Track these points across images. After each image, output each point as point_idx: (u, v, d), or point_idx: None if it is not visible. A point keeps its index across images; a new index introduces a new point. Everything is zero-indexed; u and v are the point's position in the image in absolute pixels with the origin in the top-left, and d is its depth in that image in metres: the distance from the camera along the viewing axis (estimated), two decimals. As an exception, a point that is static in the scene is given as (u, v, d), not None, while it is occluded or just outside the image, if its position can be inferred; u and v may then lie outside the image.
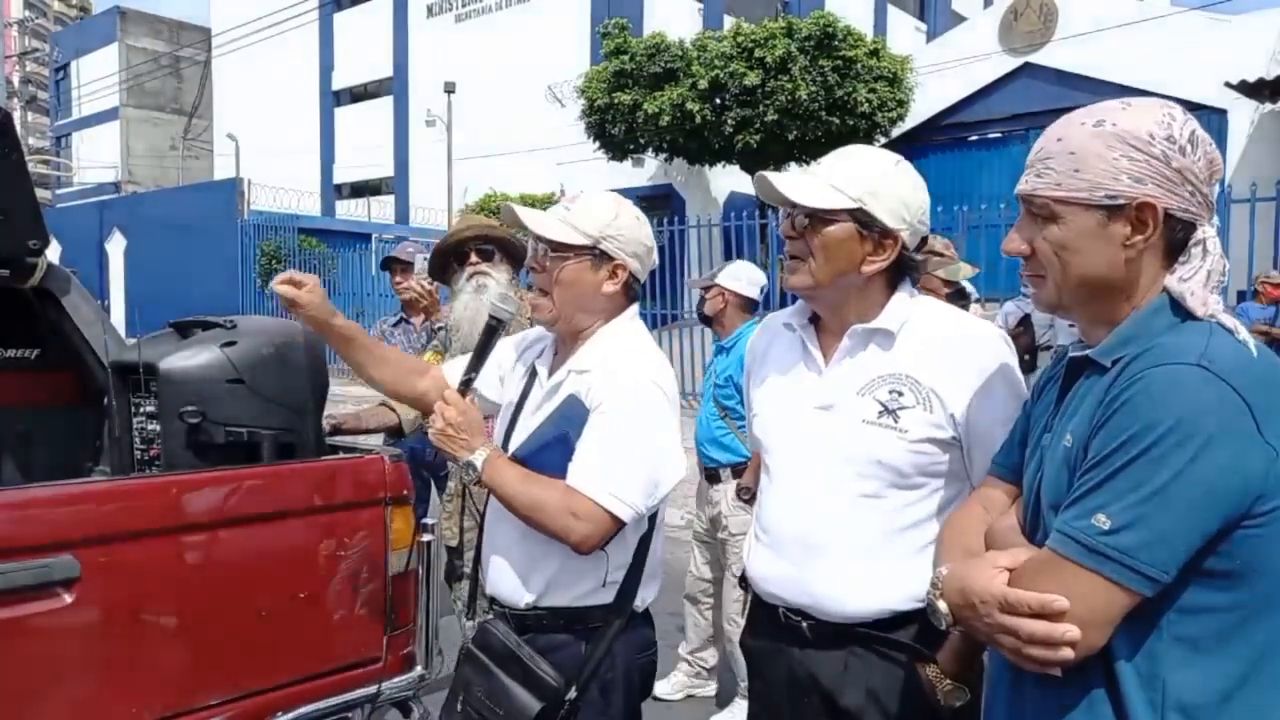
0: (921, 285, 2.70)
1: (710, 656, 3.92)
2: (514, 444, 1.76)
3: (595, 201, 1.78)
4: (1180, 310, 1.12)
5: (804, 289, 1.56)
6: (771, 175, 1.52)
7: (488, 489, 1.70)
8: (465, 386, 1.74)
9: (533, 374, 1.85)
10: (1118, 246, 1.13)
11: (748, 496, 3.41)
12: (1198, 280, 1.12)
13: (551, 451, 1.67)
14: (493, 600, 1.82)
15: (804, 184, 1.53)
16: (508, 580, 1.75)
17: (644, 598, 1.76)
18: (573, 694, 1.65)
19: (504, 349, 1.94)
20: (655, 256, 1.84)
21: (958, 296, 3.08)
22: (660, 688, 3.94)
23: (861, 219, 1.50)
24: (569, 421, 1.67)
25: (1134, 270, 1.14)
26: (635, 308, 1.83)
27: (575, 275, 1.72)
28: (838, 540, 1.52)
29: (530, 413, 1.80)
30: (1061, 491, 1.12)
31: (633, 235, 1.76)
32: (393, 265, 4.13)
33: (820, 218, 1.50)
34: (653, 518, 1.74)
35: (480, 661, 1.73)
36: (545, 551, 1.69)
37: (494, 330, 1.75)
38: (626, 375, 1.67)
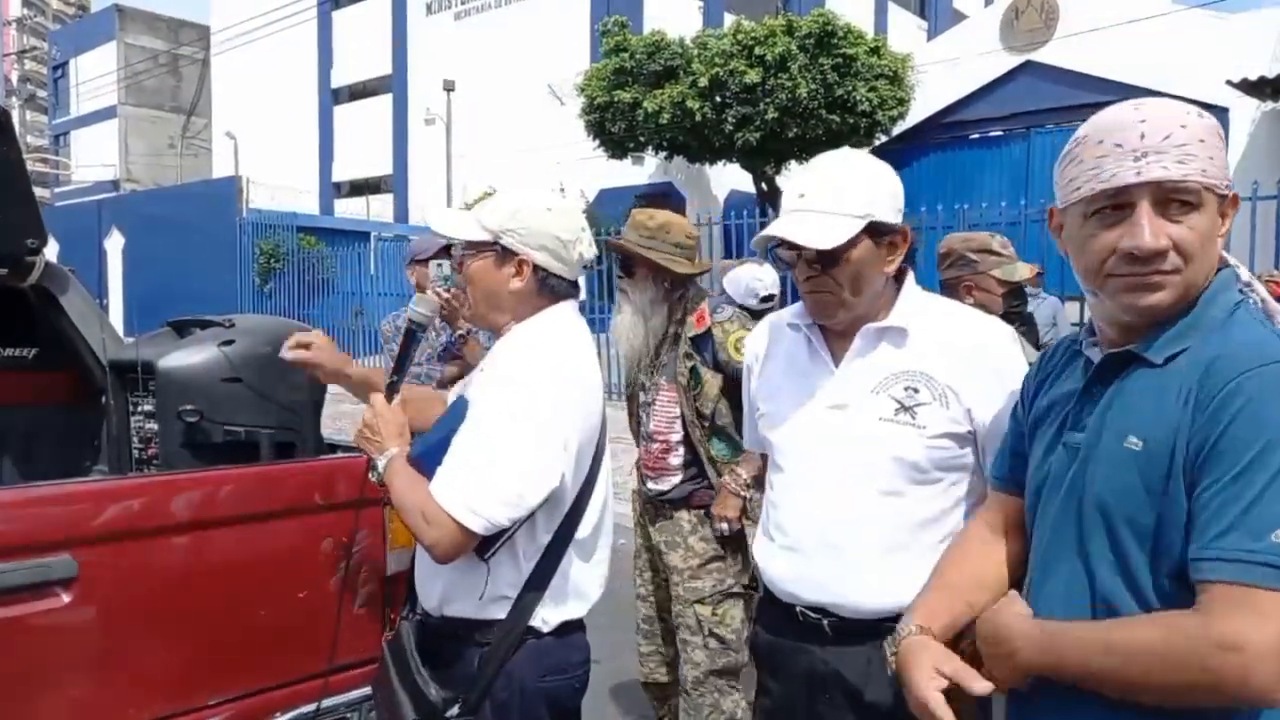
0: (976, 286, 2.66)
1: None
2: None
3: (503, 196, 1.71)
4: (1224, 301, 1.12)
5: (841, 321, 1.55)
6: (782, 230, 1.47)
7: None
8: (391, 391, 1.71)
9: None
10: (1219, 234, 1.14)
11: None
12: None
13: (437, 453, 1.58)
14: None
15: (815, 226, 1.46)
16: (421, 584, 1.76)
17: (546, 617, 1.62)
18: (454, 712, 1.57)
19: None
20: (584, 249, 1.70)
21: (1014, 296, 2.86)
22: None
23: (872, 230, 1.49)
24: (454, 421, 1.60)
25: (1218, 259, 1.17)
26: (566, 305, 1.71)
27: (481, 271, 1.67)
28: (859, 538, 1.52)
29: None
30: (1135, 498, 1.07)
31: (539, 228, 1.64)
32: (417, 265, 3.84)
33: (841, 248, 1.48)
34: (563, 533, 1.63)
35: (384, 662, 1.72)
36: None
37: (413, 334, 1.75)
38: (504, 377, 1.57)
